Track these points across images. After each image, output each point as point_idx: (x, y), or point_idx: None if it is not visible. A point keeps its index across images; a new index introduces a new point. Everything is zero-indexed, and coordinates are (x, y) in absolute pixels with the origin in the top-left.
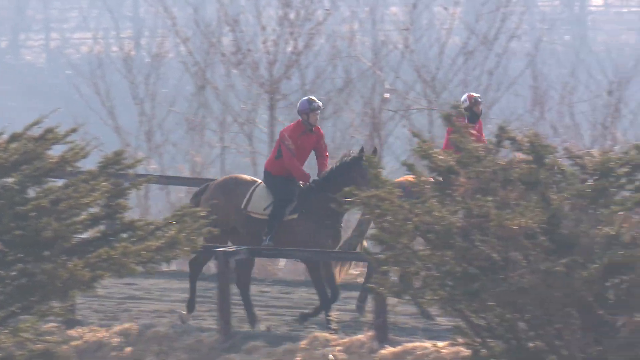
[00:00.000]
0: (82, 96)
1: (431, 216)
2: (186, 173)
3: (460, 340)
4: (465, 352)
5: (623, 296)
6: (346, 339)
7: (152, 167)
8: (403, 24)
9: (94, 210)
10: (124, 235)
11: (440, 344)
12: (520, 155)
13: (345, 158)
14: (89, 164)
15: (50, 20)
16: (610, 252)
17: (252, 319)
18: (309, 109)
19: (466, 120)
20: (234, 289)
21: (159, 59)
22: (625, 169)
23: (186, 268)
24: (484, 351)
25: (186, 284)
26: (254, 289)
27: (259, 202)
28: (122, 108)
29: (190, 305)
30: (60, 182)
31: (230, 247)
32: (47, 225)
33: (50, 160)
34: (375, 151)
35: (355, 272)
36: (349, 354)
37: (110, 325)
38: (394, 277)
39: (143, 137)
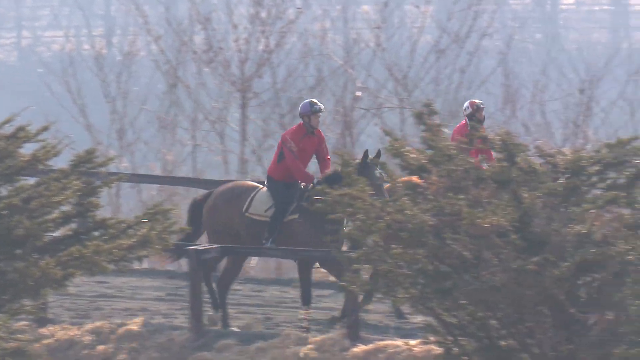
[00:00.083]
0: (54, 94)
1: (403, 214)
2: (158, 171)
3: (432, 338)
4: (437, 350)
5: (594, 294)
6: (318, 337)
7: (124, 165)
8: (375, 22)
9: (66, 208)
10: (96, 234)
11: (412, 342)
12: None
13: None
14: (60, 163)
15: (22, 19)
16: (582, 250)
17: (225, 320)
18: (310, 111)
19: (467, 127)
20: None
21: (131, 57)
22: (596, 168)
23: (157, 266)
24: (455, 349)
25: (158, 282)
26: None
27: (260, 205)
28: (94, 106)
29: (216, 304)
30: (31, 181)
31: (202, 245)
32: (19, 223)
33: (22, 159)
34: (379, 154)
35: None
36: (321, 352)
37: (82, 323)
38: (365, 275)
39: (114, 135)
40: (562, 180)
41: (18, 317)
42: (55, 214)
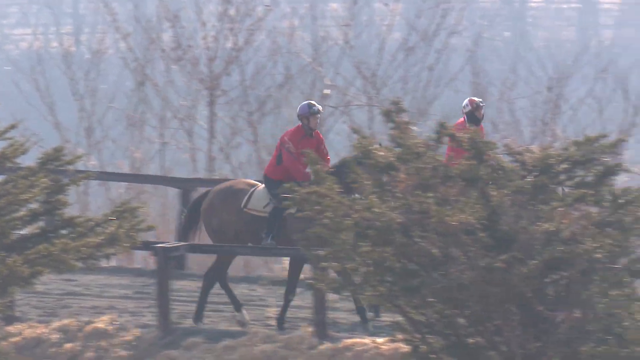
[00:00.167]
0: (22, 92)
1: (371, 212)
2: (126, 169)
3: (399, 336)
4: (405, 348)
5: (562, 292)
6: (286, 335)
7: (92, 163)
8: (343, 20)
9: (34, 206)
10: (64, 232)
11: (379, 340)
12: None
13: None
14: (28, 160)
15: None
16: (550, 248)
17: (199, 317)
18: (309, 112)
19: (466, 125)
20: (173, 284)
21: (99, 55)
22: (564, 165)
23: (125, 264)
24: (423, 347)
25: (125, 280)
26: (193, 285)
27: (258, 201)
28: (62, 104)
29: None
30: None
31: (170, 243)
32: None
33: None
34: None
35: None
36: (289, 349)
37: (49, 321)
38: (333, 273)
39: (83, 133)
40: (530, 178)
41: None
42: (22, 212)
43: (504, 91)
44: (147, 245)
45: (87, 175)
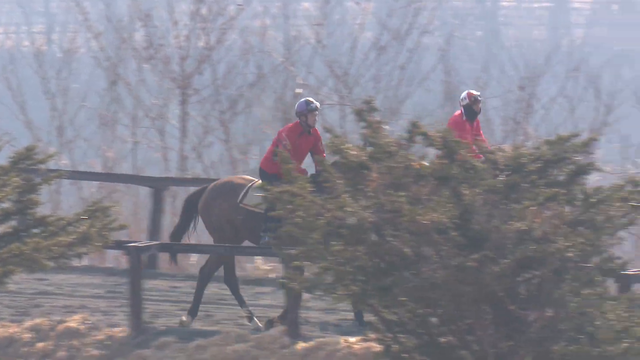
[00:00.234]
0: None
1: (343, 211)
2: (98, 168)
3: (371, 335)
4: (377, 347)
5: (534, 291)
6: (258, 334)
7: (64, 162)
8: (315, 19)
9: (5, 205)
10: (36, 231)
11: (352, 339)
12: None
13: None
14: (0, 159)
15: None
16: (522, 247)
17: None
18: (307, 110)
19: (463, 118)
20: (145, 284)
21: (71, 54)
22: (536, 165)
23: (97, 263)
24: (395, 346)
25: (97, 279)
26: (164, 284)
27: (256, 197)
28: (34, 103)
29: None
30: None
31: (142, 243)
32: None
33: None
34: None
35: (267, 267)
36: (261, 349)
37: (21, 320)
38: (306, 273)
39: (54, 132)
40: (502, 177)
41: None
42: None
43: (476, 90)
44: (119, 245)
45: (59, 174)
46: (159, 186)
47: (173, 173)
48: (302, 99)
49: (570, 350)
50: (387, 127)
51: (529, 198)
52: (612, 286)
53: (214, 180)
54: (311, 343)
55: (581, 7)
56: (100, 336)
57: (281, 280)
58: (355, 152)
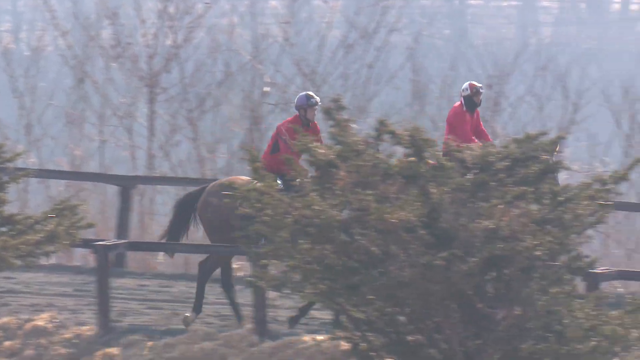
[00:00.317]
0: None
1: (311, 210)
2: (65, 167)
3: (339, 334)
4: (345, 345)
5: (502, 290)
6: (226, 333)
7: (31, 160)
8: (283, 18)
9: None
10: (3, 229)
11: (319, 337)
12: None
13: None
14: None
15: None
16: (490, 245)
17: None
18: (306, 104)
19: (464, 108)
20: (113, 282)
21: (38, 52)
22: (504, 163)
23: (65, 262)
24: (363, 345)
25: (65, 278)
26: (132, 283)
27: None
28: (1, 102)
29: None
30: None
31: (109, 241)
32: None
33: None
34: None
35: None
36: (229, 347)
37: None
38: (274, 271)
39: (22, 130)
40: (470, 176)
41: None
42: None
43: (444, 89)
44: (86, 243)
45: (27, 172)
46: (126, 185)
47: (141, 171)
48: (303, 93)
49: (539, 348)
50: (355, 125)
51: (497, 196)
52: (580, 284)
53: (184, 179)
54: (279, 342)
55: (549, 5)
56: (68, 335)
57: (248, 278)
58: (323, 151)
